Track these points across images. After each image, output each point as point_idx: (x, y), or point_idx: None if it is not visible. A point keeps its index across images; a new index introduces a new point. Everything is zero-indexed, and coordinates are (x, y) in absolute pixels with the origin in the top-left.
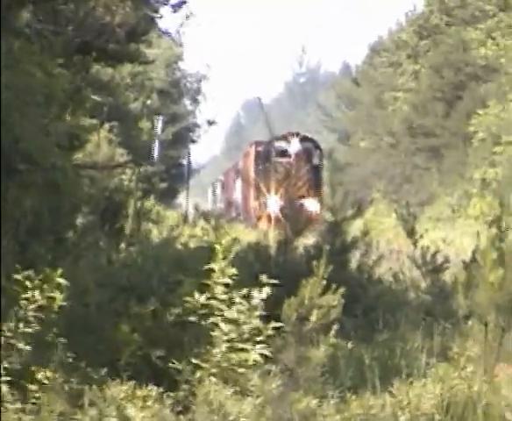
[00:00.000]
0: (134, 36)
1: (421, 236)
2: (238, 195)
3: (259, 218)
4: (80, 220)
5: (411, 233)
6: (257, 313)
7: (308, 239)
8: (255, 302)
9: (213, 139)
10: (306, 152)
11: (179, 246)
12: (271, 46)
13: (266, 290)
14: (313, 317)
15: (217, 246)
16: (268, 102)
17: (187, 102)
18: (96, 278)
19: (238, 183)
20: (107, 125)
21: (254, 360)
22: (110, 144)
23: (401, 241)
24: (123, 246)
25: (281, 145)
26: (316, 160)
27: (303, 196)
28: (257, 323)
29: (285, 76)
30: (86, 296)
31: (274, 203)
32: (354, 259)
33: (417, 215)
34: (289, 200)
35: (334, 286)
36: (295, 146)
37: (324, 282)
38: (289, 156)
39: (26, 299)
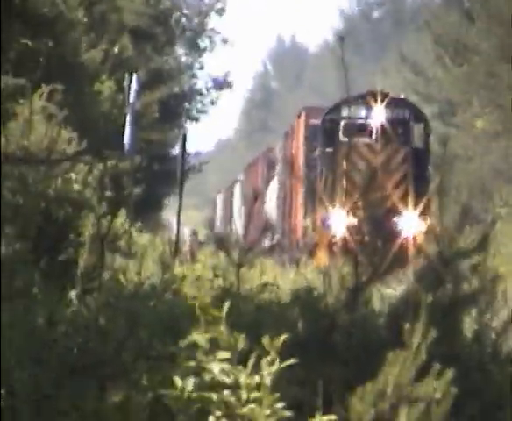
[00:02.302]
0: None
1: None
2: (272, 207)
3: (313, 248)
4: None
5: None
6: (271, 398)
7: (391, 287)
8: (266, 380)
9: (224, 115)
10: (401, 126)
11: (169, 297)
12: None
13: (275, 365)
14: (401, 419)
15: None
16: (315, 49)
17: (181, 50)
18: (28, 349)
19: (274, 186)
20: (45, 89)
21: None
22: (51, 120)
23: None
24: (73, 294)
25: (356, 113)
26: (417, 141)
27: (396, 209)
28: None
29: (345, 7)
30: (9, 379)
31: (342, 219)
32: (469, 320)
33: None
34: (370, 215)
35: (437, 366)
36: (379, 116)
37: (423, 359)
38: (370, 134)
39: None
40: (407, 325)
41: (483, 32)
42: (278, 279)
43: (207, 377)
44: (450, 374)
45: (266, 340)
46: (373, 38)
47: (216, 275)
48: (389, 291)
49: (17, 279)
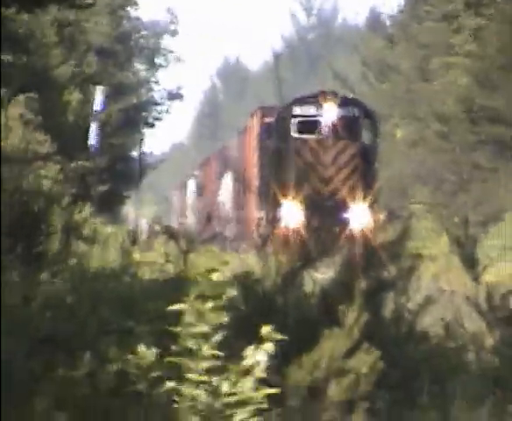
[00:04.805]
0: None
1: (484, 268)
2: (226, 199)
3: (264, 239)
4: None
5: (471, 265)
6: (251, 380)
7: (321, 272)
8: (248, 363)
9: (177, 122)
10: (350, 123)
11: (127, 279)
12: None
13: (270, 348)
14: (332, 389)
15: (200, 278)
16: (257, 68)
17: (140, 66)
18: (3, 324)
19: (228, 180)
20: (21, 97)
21: None
22: (26, 125)
23: (453, 277)
24: (44, 276)
25: (308, 111)
26: (366, 137)
27: (345, 201)
28: (249, 392)
29: (283, 31)
30: None
31: (294, 212)
32: (386, 302)
33: (478, 238)
34: (318, 207)
35: (366, 344)
36: (330, 113)
37: (356, 337)
38: (321, 130)
39: None
40: (342, 307)
41: (403, 54)
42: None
43: (180, 345)
44: (377, 352)
45: (265, 331)
46: (308, 57)
47: (167, 261)
48: (320, 276)
49: None
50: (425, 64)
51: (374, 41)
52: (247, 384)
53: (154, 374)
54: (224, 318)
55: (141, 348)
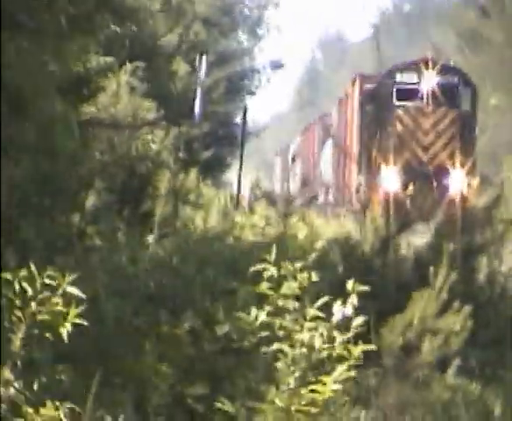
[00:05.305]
0: None
1: None
2: (327, 166)
3: (365, 204)
4: (90, 200)
5: None
6: (340, 337)
7: (421, 237)
8: (336, 318)
9: (278, 91)
10: (449, 91)
11: (230, 241)
12: None
13: (353, 301)
14: (425, 347)
15: (289, 240)
16: (355, 39)
17: (242, 36)
18: (112, 283)
19: (329, 148)
20: (129, 66)
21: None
22: (133, 93)
23: None
24: (151, 238)
25: (408, 78)
26: (465, 105)
27: (444, 166)
28: (340, 348)
29: (381, 3)
30: (97, 310)
31: (393, 178)
32: (481, 265)
33: None
34: (417, 173)
35: (457, 303)
36: (430, 81)
37: (444, 297)
38: (421, 98)
39: (20, 309)
40: (431, 268)
41: (498, 26)
42: (321, 228)
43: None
44: (467, 310)
45: (350, 285)
46: (405, 29)
47: (267, 224)
48: (416, 240)
49: (103, 223)
50: None
51: (468, 13)
52: (339, 340)
53: (260, 335)
54: (314, 278)
55: (249, 310)
